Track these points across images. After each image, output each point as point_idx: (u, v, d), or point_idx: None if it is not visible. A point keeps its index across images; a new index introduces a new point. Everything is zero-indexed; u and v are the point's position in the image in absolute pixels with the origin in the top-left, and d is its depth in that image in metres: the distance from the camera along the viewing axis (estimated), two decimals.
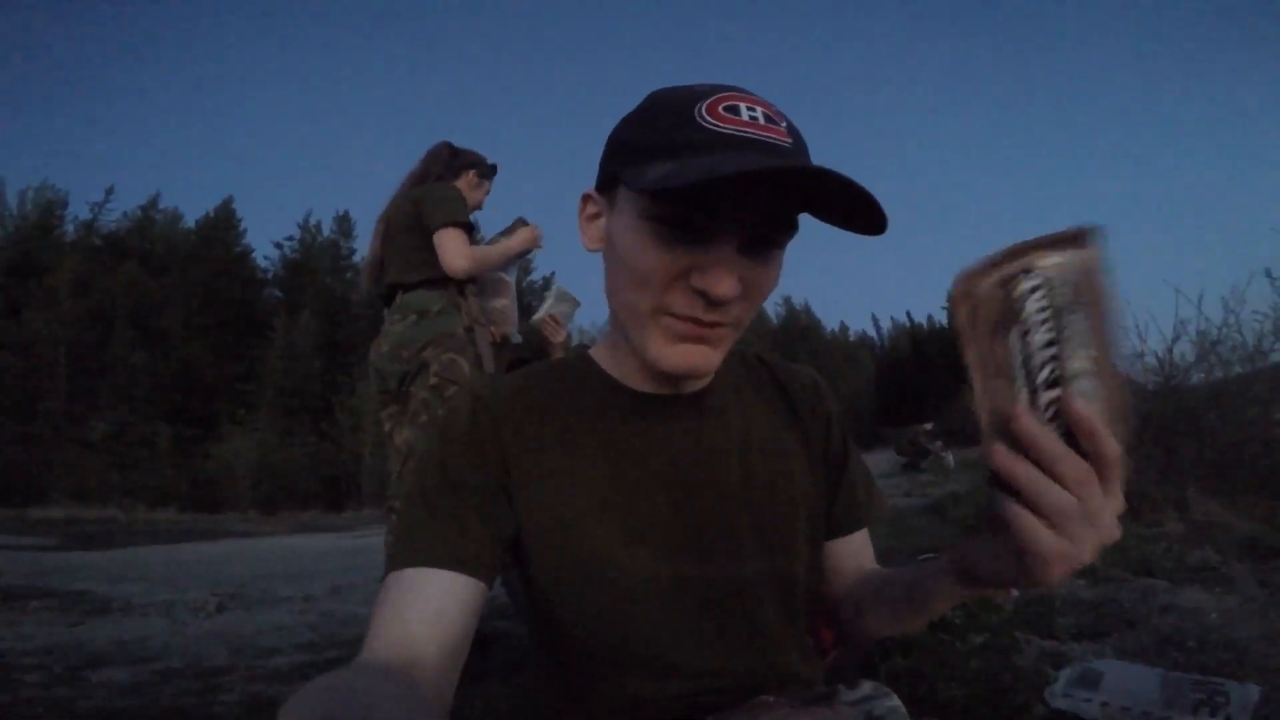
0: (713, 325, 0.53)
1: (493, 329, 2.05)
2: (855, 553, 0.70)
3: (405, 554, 0.53)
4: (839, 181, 0.45)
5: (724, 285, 0.50)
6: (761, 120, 0.50)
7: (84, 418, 19.00)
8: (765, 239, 0.52)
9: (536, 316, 2.51)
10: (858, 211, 0.48)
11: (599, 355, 0.65)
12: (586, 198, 0.60)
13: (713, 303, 0.51)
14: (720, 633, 0.58)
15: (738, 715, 0.55)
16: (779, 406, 0.68)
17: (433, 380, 1.85)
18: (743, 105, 0.50)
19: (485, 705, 1.49)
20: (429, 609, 0.50)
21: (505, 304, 2.05)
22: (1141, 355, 5.30)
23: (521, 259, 2.15)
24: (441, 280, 1.94)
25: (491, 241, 2.13)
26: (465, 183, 2.11)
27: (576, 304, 2.52)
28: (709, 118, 0.49)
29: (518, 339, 2.08)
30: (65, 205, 25.16)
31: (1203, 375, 5.07)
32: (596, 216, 0.59)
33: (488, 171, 2.20)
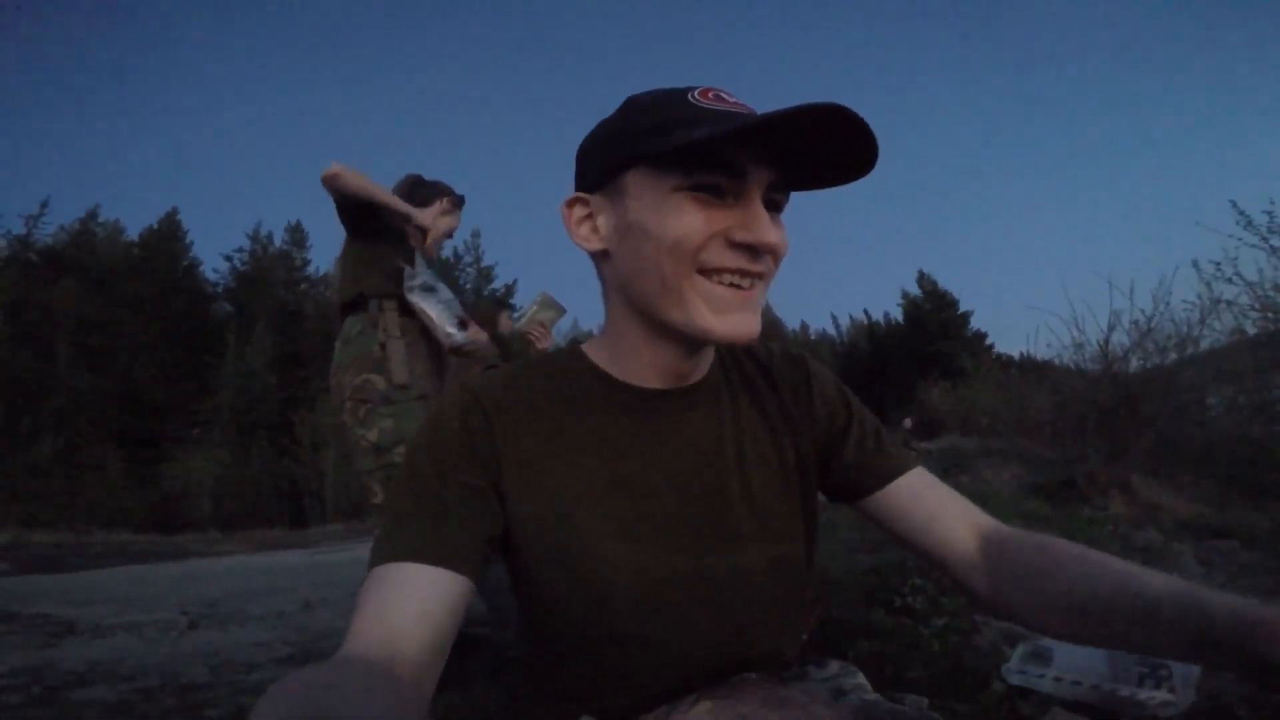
0: (753, 282, 0.56)
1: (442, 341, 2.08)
2: (913, 500, 0.66)
3: (391, 549, 0.53)
4: (851, 123, 0.50)
5: (773, 232, 0.54)
6: (741, 104, 0.55)
7: (27, 441, 18.08)
8: (774, 203, 0.57)
9: (521, 323, 2.53)
10: (844, 159, 0.54)
11: (592, 351, 0.65)
12: (573, 202, 0.61)
13: (759, 252, 0.54)
14: (714, 620, 0.60)
15: (723, 691, 0.58)
16: (765, 389, 0.69)
17: (348, 403, 1.92)
18: (724, 93, 0.56)
19: (472, 708, 1.52)
20: (413, 605, 0.50)
21: (429, 313, 2.05)
22: (1081, 345, 5.60)
23: (411, 277, 2.07)
24: (362, 300, 2.00)
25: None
26: (438, 209, 2.15)
27: (562, 312, 2.54)
28: (702, 100, 0.54)
29: (460, 339, 2.06)
30: None
31: (1140, 362, 5.37)
32: (589, 217, 0.60)
33: (457, 200, 2.24)
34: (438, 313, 2.05)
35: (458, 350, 2.08)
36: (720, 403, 0.66)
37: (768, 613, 0.63)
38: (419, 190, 2.16)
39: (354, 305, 2.01)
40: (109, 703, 1.75)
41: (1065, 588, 0.55)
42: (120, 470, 18.81)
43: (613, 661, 0.60)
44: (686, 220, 0.53)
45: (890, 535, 0.68)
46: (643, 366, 0.62)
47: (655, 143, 0.53)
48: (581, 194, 0.61)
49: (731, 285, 0.55)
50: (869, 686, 0.72)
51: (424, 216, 2.05)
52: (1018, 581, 0.59)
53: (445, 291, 2.12)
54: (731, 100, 0.55)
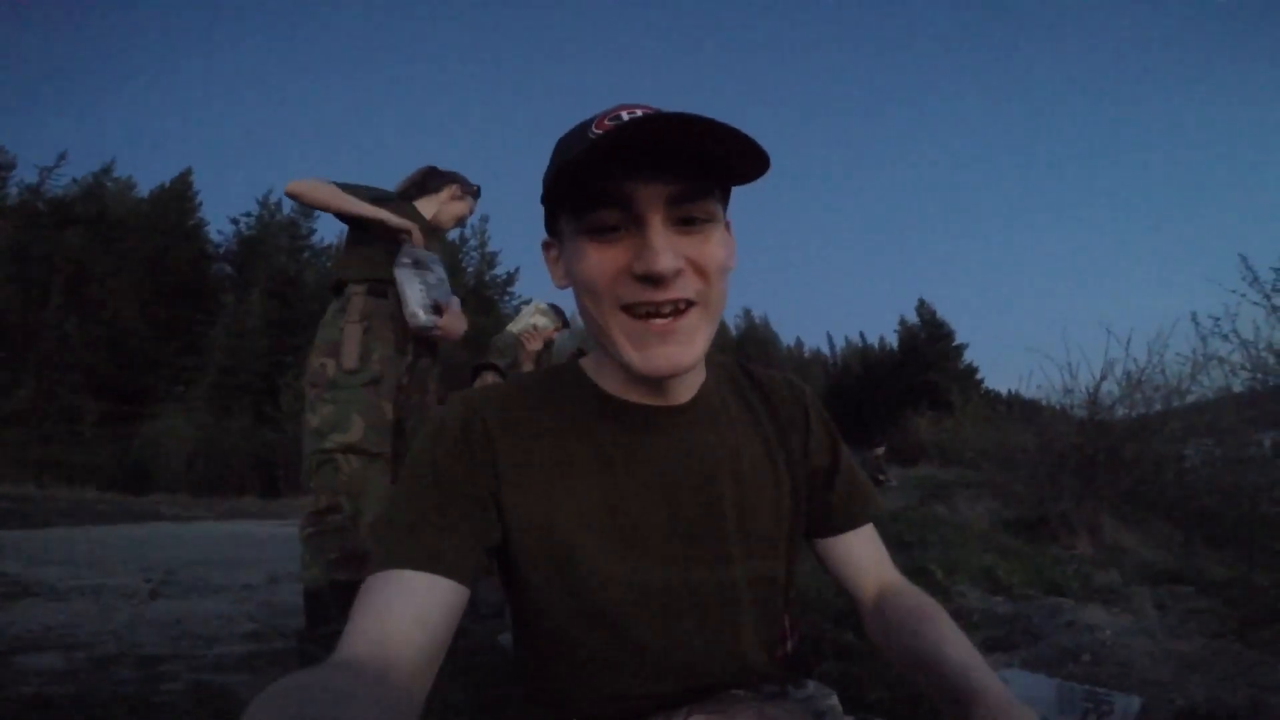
0: (674, 314, 0.55)
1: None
2: (860, 548, 0.72)
3: (390, 555, 0.54)
4: (703, 125, 0.48)
5: (662, 259, 0.52)
6: (640, 116, 0.52)
7: (8, 388, 17.78)
8: (693, 217, 0.55)
9: (518, 328, 2.64)
10: (746, 157, 0.52)
11: (589, 366, 0.67)
12: (546, 245, 0.65)
13: (658, 281, 0.53)
14: (702, 634, 0.62)
15: (711, 708, 0.61)
16: (762, 413, 0.70)
17: (305, 386, 1.97)
18: (624, 113, 0.54)
19: (443, 701, 1.51)
20: (411, 612, 0.51)
21: (405, 289, 2.03)
22: (1071, 391, 5.66)
23: (406, 252, 2.05)
24: (341, 286, 2.04)
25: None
26: (447, 195, 2.21)
27: (558, 315, 2.68)
28: (597, 131, 0.54)
29: (425, 322, 2.03)
30: (12, 168, 23.46)
31: (1126, 411, 5.43)
32: (558, 259, 0.63)
33: (471, 189, 2.28)
34: (415, 291, 2.03)
35: (422, 332, 2.05)
36: (718, 422, 0.67)
37: (749, 627, 0.66)
38: (430, 180, 2.22)
39: (336, 290, 2.05)
40: (59, 670, 1.70)
41: (908, 644, 0.62)
42: (95, 423, 18.52)
43: (601, 669, 0.62)
44: (589, 264, 0.55)
45: (821, 566, 0.75)
46: (627, 387, 0.64)
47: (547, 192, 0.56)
48: (547, 238, 0.65)
49: (648, 316, 0.55)
50: (841, 709, 0.74)
51: (394, 219, 2.02)
52: (887, 630, 0.66)
53: (437, 274, 2.10)
54: (626, 119, 0.53)
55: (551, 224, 0.62)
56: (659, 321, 0.55)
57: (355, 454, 1.89)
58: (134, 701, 1.48)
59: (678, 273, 0.53)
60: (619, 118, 0.54)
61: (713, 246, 0.56)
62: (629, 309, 0.55)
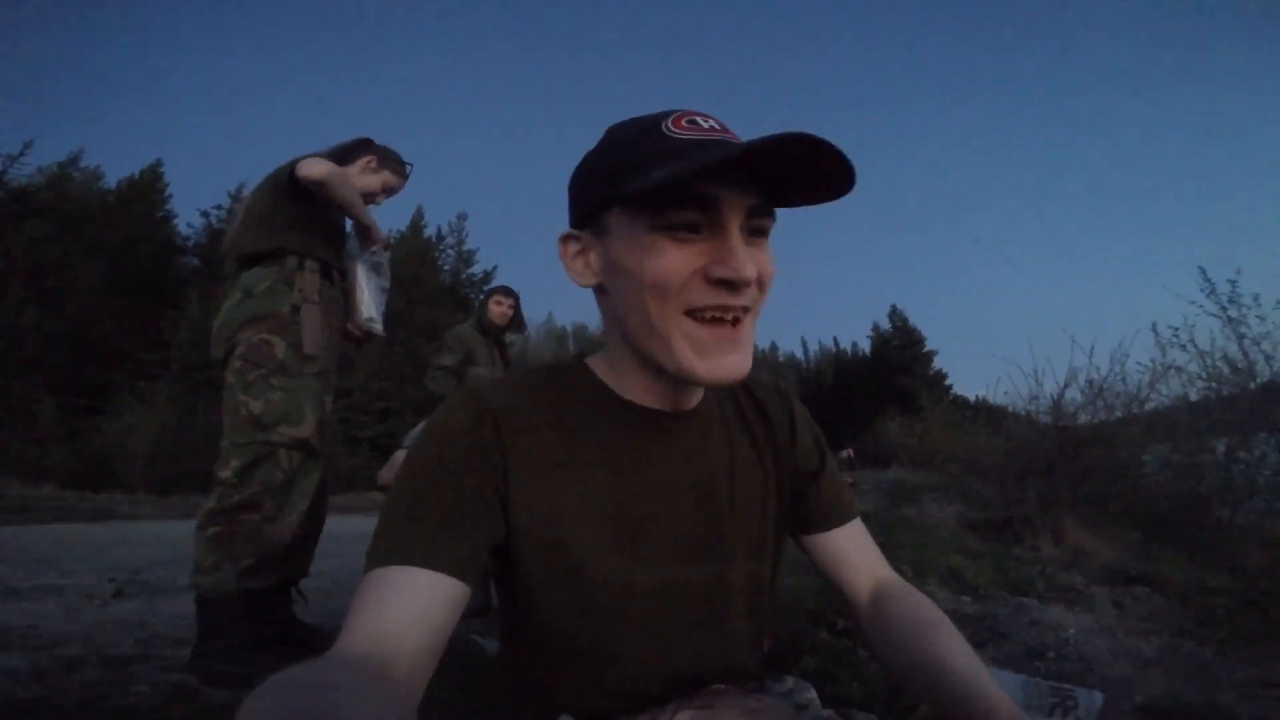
0: (736, 320, 0.55)
1: (352, 326, 1.99)
2: (849, 542, 0.74)
3: (392, 551, 0.53)
4: (819, 150, 0.49)
5: (748, 266, 0.53)
6: (718, 128, 0.56)
7: None
8: (762, 228, 0.56)
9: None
10: (824, 179, 0.53)
11: (599, 368, 0.67)
12: (567, 237, 0.62)
13: (736, 287, 0.54)
14: (694, 632, 0.64)
15: (701, 701, 0.62)
16: (755, 418, 0.73)
17: (237, 364, 1.71)
18: (699, 118, 0.56)
19: (423, 702, 1.50)
20: (411, 609, 0.50)
21: (364, 290, 1.98)
22: (1037, 398, 5.83)
23: (374, 252, 2.03)
24: (278, 254, 1.79)
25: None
26: (359, 166, 2.00)
27: (508, 295, 3.19)
28: (675, 130, 0.54)
29: (378, 330, 2.00)
30: None
31: (1089, 418, 5.61)
32: (582, 253, 0.61)
33: (394, 166, 2.07)
34: (374, 294, 1.98)
35: (364, 336, 2.00)
36: (715, 430, 0.69)
37: (739, 626, 0.68)
38: (353, 152, 2.01)
39: (264, 258, 1.80)
40: (24, 671, 1.65)
41: (910, 653, 0.63)
42: (53, 419, 17.85)
43: (595, 667, 0.63)
44: (664, 261, 0.54)
45: (814, 566, 0.76)
46: (642, 391, 0.64)
47: (627, 183, 0.54)
48: (573, 230, 0.62)
49: (714, 320, 0.55)
50: (819, 703, 0.77)
51: (379, 232, 1.96)
52: (887, 634, 0.67)
53: (387, 280, 2.06)
54: (705, 125, 0.55)
55: (589, 218, 0.60)
56: (726, 329, 0.55)
57: (299, 450, 1.72)
58: (105, 702, 1.44)
59: (748, 282, 0.54)
60: (695, 122, 0.55)
61: (769, 259, 0.58)
62: (693, 313, 0.55)
